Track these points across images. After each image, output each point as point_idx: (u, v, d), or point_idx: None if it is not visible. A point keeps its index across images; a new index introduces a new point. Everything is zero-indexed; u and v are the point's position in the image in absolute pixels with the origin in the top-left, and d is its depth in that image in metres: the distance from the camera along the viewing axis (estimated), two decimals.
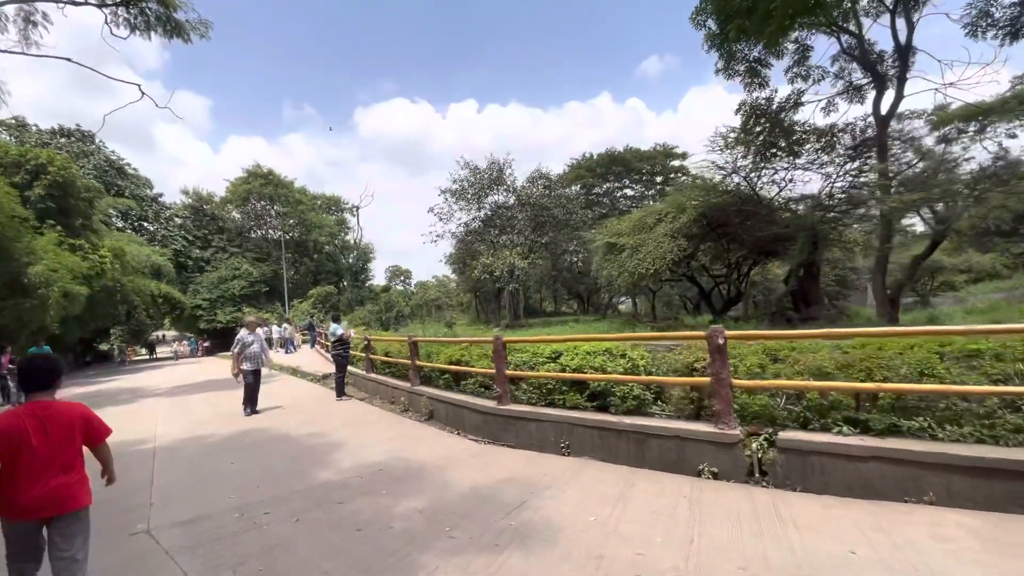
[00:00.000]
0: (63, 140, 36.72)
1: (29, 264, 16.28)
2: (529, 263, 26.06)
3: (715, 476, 4.29)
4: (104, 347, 45.08)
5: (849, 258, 21.90)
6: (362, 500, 4.30)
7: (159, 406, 11.07)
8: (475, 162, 29.81)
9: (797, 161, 13.92)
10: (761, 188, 15.02)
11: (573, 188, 38.45)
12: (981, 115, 11.03)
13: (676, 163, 42.13)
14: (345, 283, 49.88)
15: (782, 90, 13.31)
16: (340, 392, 9.89)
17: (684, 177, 42.29)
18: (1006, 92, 11.56)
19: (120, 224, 37.86)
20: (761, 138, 12.72)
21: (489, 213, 29.94)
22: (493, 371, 6.78)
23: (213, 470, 5.56)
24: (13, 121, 34.63)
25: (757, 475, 4.13)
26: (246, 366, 8.75)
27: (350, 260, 52.76)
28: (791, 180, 14.69)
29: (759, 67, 11.94)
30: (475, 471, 4.95)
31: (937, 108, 11.65)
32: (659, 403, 5.43)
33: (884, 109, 11.34)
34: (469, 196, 29.66)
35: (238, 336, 8.91)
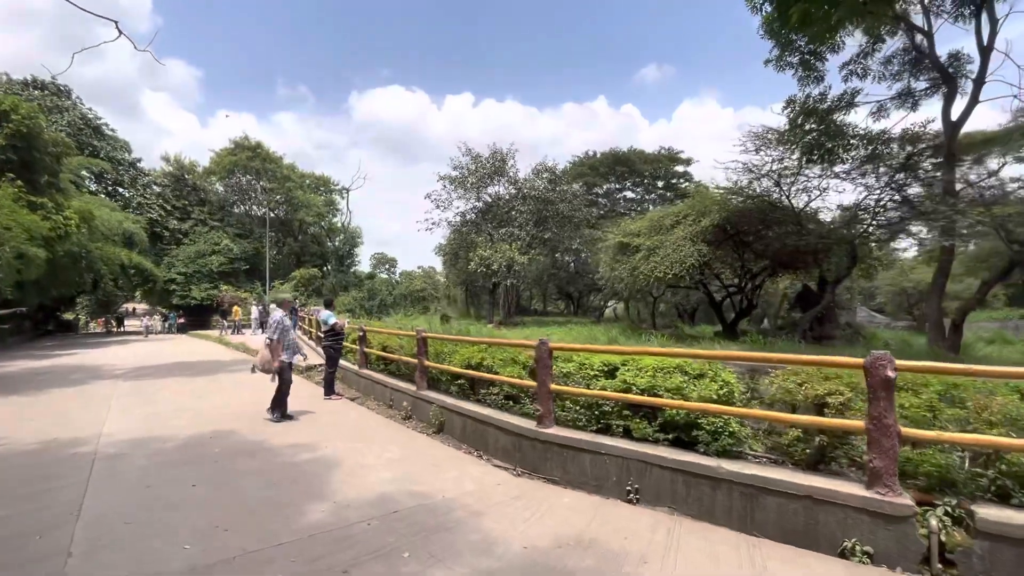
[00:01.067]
0: (36, 92, 34.12)
1: None
2: (529, 259, 24.82)
3: (870, 558, 3.11)
4: (69, 317, 42.58)
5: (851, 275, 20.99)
6: (377, 568, 3.02)
7: (115, 391, 9.55)
8: (477, 150, 28.51)
9: (835, 168, 12.95)
10: (794, 196, 14.02)
11: (574, 185, 37.39)
12: None
13: (680, 168, 41.37)
14: (329, 267, 47.99)
15: (820, 90, 12.23)
16: (329, 390, 8.52)
17: (687, 183, 41.62)
18: None
19: (93, 187, 35.48)
20: (809, 138, 11.67)
21: (488, 203, 28.65)
22: (528, 383, 5.55)
23: (166, 497, 4.20)
24: None
25: (939, 566, 2.96)
26: (285, 356, 7.11)
27: (336, 243, 50.83)
28: (825, 189, 13.75)
29: (813, 60, 10.86)
30: (524, 523, 3.70)
31: (1019, 112, 10.70)
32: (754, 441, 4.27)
33: (955, 115, 10.37)
34: (469, 185, 28.34)
35: (275, 318, 7.22)
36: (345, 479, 4.60)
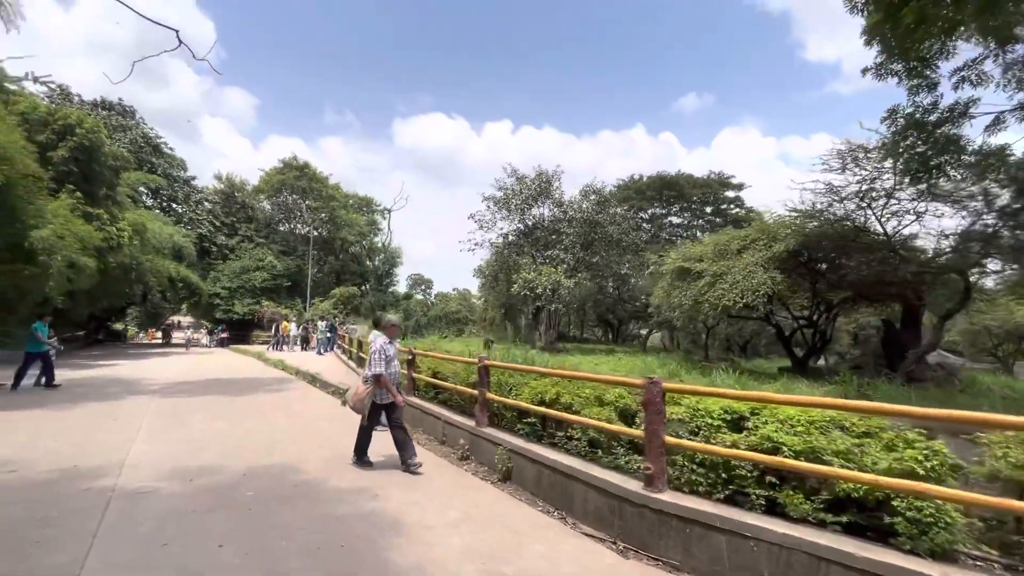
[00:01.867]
0: (103, 112, 35.97)
1: (35, 227, 14.57)
2: (575, 283, 23.76)
3: None
4: (119, 327, 43.93)
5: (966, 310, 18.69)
6: None
7: (148, 409, 8.95)
8: (522, 171, 27.98)
9: (940, 188, 11.47)
10: (887, 220, 12.55)
11: (618, 209, 36.41)
12: None
13: (730, 193, 39.80)
14: (368, 286, 48.15)
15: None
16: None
17: (738, 209, 39.91)
18: None
19: (149, 202, 36.79)
20: (916, 153, 10.31)
21: (532, 225, 27.92)
22: (621, 429, 4.51)
23: (186, 562, 3.30)
24: (57, 88, 33.98)
25: None
26: (383, 392, 5.79)
27: (376, 262, 51.16)
28: (923, 212, 12.23)
29: (921, 67, 9.61)
30: None
31: None
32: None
33: None
34: (513, 206, 27.73)
35: (377, 346, 5.87)
36: (405, 547, 3.61)
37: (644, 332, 41.55)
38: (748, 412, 4.14)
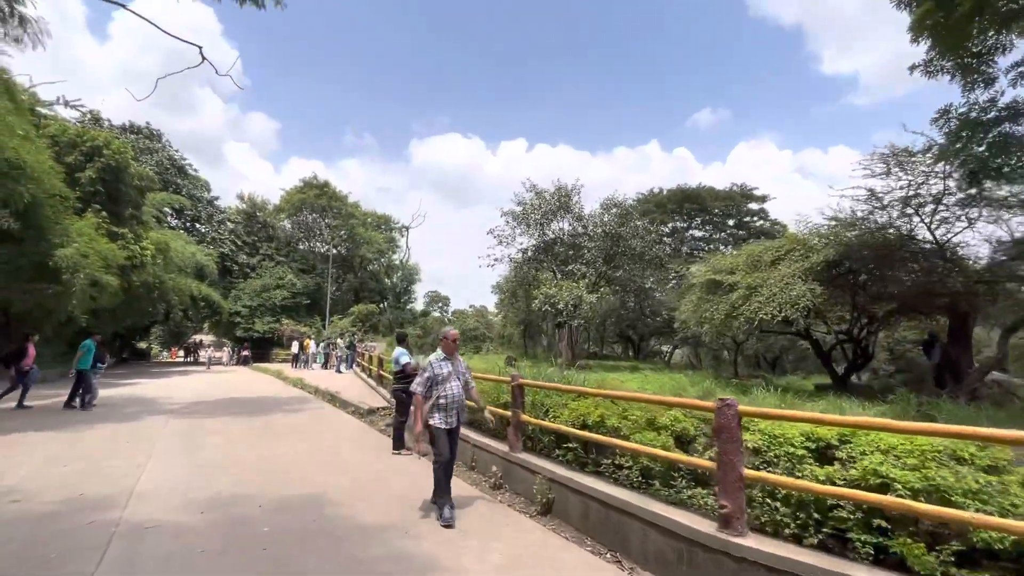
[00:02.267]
0: (132, 136, 36.91)
1: (60, 245, 14.61)
2: (598, 297, 23.14)
3: None
4: (142, 346, 44.45)
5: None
6: None
7: (164, 430, 8.60)
8: (540, 186, 27.65)
9: (990, 192, 10.71)
10: (936, 227, 11.78)
11: (642, 222, 35.83)
12: None
13: (753, 206, 38.94)
14: (386, 303, 48.10)
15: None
16: (398, 443, 7.11)
17: (762, 221, 38.96)
18: None
19: (174, 222, 37.41)
20: (973, 154, 9.60)
21: (551, 240, 27.49)
22: (680, 457, 3.96)
23: None
24: (88, 113, 35.02)
25: None
26: (436, 419, 4.65)
27: (395, 280, 51.22)
28: (975, 218, 11.42)
29: (976, 63, 8.97)
30: None
31: None
32: None
33: None
34: (532, 221, 27.36)
35: (428, 362, 4.91)
36: None
37: (666, 348, 40.48)
38: (836, 439, 3.56)
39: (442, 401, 4.68)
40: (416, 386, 4.79)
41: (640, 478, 4.42)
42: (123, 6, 10.32)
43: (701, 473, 3.97)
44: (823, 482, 3.20)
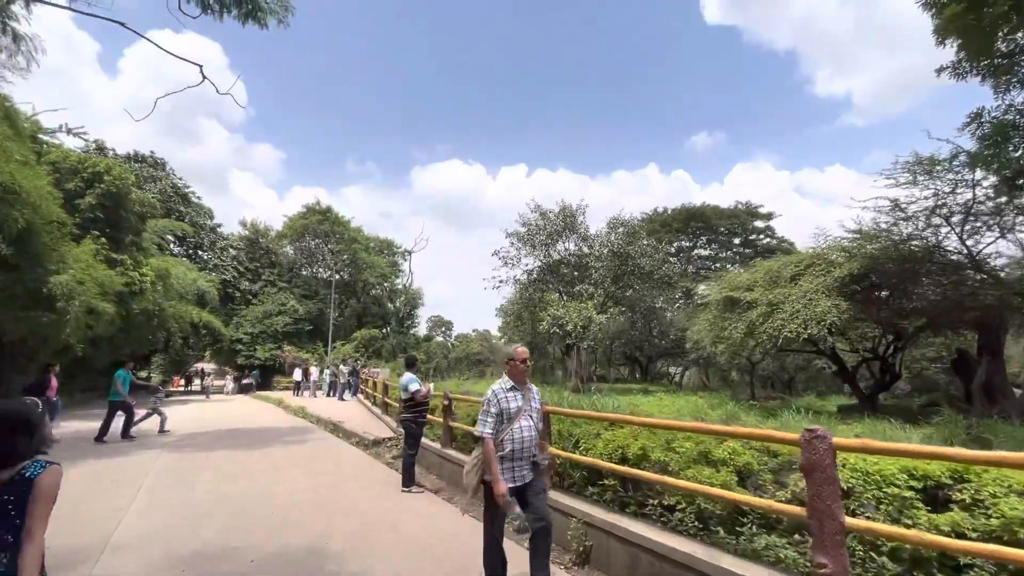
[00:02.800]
0: (136, 165, 37.02)
1: (56, 272, 14.16)
2: (607, 318, 22.55)
3: None
4: (143, 375, 43.69)
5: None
6: None
7: (153, 466, 7.96)
8: (545, 207, 27.39)
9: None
10: (966, 237, 11.26)
11: (644, 241, 35.53)
12: None
13: (759, 223, 38.60)
14: (389, 328, 47.45)
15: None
16: (409, 479, 6.43)
17: (768, 239, 38.56)
18: None
19: (176, 249, 37.18)
20: (1009, 159, 9.12)
21: (557, 261, 27.08)
22: (749, 500, 3.33)
23: None
24: (93, 142, 35.17)
25: None
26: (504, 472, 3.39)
27: (397, 304, 50.69)
28: (1010, 228, 10.90)
29: (1010, 62, 8.59)
30: None
31: None
32: None
33: None
34: (537, 242, 27.01)
35: (491, 391, 3.58)
36: None
37: (673, 370, 39.63)
38: (948, 478, 2.95)
39: (507, 447, 3.40)
40: (483, 426, 3.45)
41: (695, 523, 3.78)
42: (122, 24, 10.10)
43: (772, 517, 3.35)
44: (947, 534, 2.57)
